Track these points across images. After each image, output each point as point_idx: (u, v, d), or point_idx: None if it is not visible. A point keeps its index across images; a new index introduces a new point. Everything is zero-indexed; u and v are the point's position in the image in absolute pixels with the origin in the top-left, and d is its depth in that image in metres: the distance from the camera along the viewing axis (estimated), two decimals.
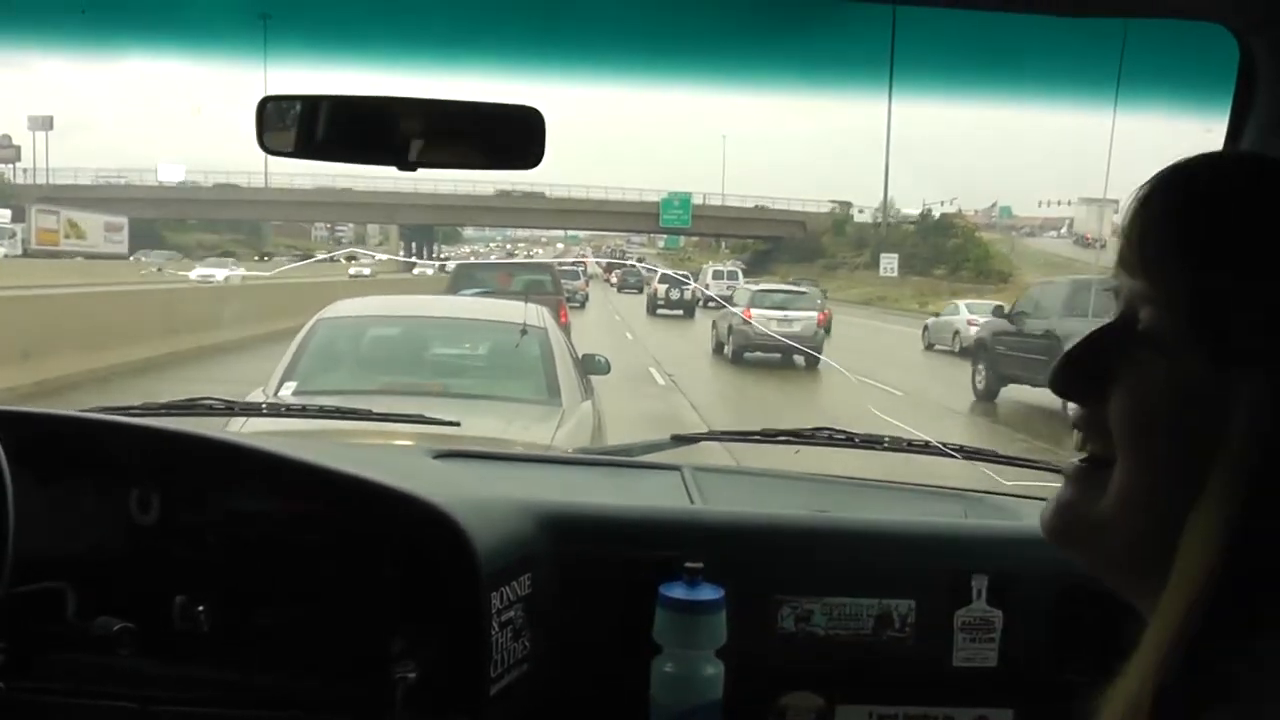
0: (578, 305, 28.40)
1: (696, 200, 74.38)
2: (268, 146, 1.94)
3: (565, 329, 11.32)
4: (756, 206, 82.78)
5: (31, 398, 11.17)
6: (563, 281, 20.45)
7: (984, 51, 2.17)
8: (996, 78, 2.35)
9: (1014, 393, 18.83)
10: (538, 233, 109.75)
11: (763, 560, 2.13)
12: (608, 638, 2.07)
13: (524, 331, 7.09)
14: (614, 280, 54.40)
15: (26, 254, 58.49)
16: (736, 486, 2.73)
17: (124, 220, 74.14)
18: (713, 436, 3.12)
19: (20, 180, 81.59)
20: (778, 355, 22.61)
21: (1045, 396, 11.46)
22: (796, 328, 22.38)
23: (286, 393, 6.48)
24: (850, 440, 2.88)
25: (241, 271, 41.08)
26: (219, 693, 1.96)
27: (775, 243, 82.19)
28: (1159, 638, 0.79)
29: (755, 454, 3.36)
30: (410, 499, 1.96)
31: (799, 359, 21.77)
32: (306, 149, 1.95)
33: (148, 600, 1.93)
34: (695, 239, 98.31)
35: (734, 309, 24.06)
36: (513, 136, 1.91)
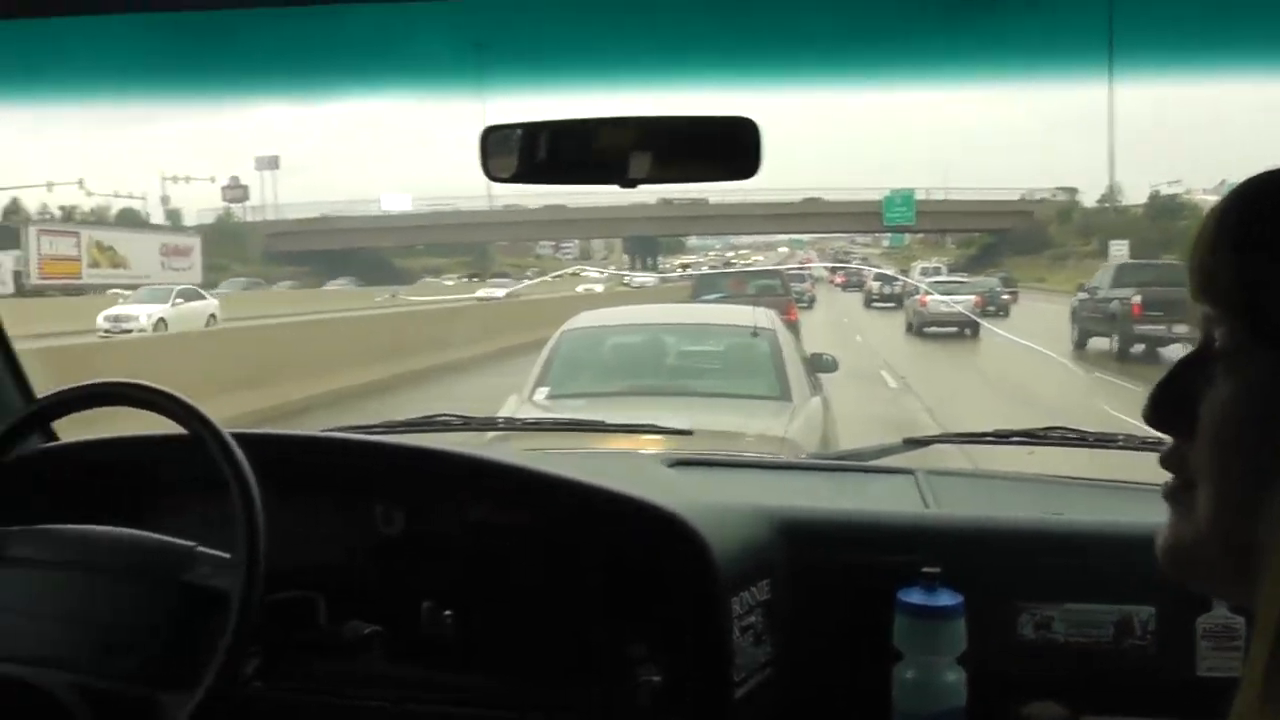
0: (805, 305, 31.45)
1: (919, 196, 73.12)
2: (492, 174, 1.99)
3: (794, 327, 13.19)
4: (980, 200, 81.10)
5: (267, 421, 11.65)
6: (791, 284, 25.29)
7: (1202, 19, 2.10)
8: (1218, 48, 2.26)
9: None
10: (761, 238, 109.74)
11: (999, 565, 2.09)
12: (847, 644, 2.06)
13: (755, 333, 7.76)
14: (838, 281, 57.82)
15: (21, 292, 47.03)
16: (969, 489, 2.68)
17: (193, 242, 65.72)
18: (944, 439, 3.08)
19: (250, 218, 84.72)
20: (953, 328, 29.05)
21: None
22: (957, 308, 28.92)
23: (540, 397, 7.11)
24: (1083, 439, 2.81)
25: (501, 293, 41.94)
26: (466, 695, 2.02)
27: (1001, 235, 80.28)
28: (1260, 648, 0.76)
29: (988, 456, 3.31)
30: (647, 506, 2.00)
31: (966, 331, 28.44)
32: (529, 174, 2.00)
33: (395, 607, 2.01)
34: (920, 236, 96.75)
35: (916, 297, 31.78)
36: (728, 148, 1.92)
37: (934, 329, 29.15)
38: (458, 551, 2.08)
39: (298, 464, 2.18)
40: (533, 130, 1.97)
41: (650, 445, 4.39)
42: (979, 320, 27.69)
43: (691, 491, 2.33)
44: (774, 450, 5.65)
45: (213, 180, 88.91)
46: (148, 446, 2.20)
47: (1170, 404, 0.90)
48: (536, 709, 1.99)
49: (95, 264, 56.80)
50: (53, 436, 2.42)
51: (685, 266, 71.24)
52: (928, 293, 30.44)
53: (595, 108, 1.99)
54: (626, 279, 48.14)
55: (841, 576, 2.09)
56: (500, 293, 41.93)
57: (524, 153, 1.98)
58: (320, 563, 2.05)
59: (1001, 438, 2.94)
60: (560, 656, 2.00)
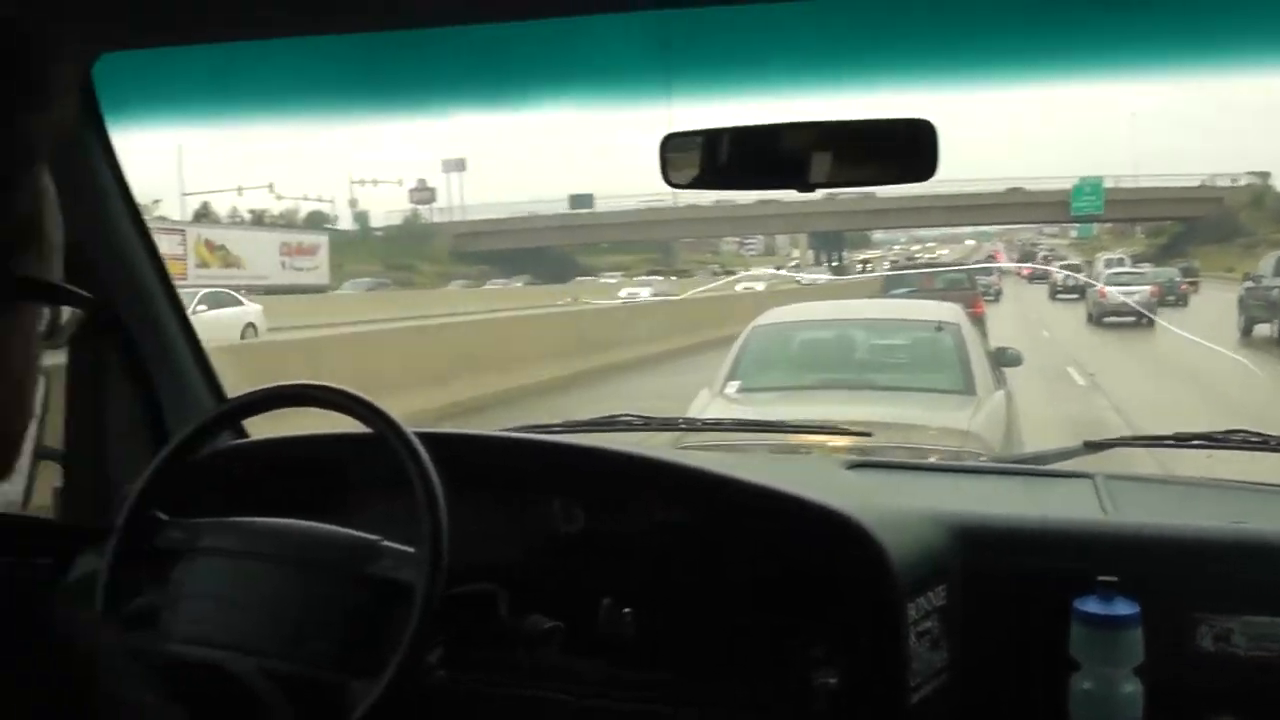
0: (992, 299, 31.88)
1: (1108, 184, 71.16)
2: (672, 181, 2.04)
3: (980, 320, 14.75)
4: (1169, 187, 78.57)
5: (445, 419, 11.86)
6: (977, 278, 26.75)
7: None
8: None
9: None
10: (947, 230, 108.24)
11: (1177, 574, 2.03)
12: (1022, 651, 2.04)
13: (939, 328, 8.09)
14: (1025, 274, 57.36)
15: None
16: (1150, 495, 2.62)
17: (320, 240, 63.84)
18: (1124, 442, 3.01)
19: (437, 219, 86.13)
20: (1130, 318, 29.37)
21: None
22: (1135, 298, 29.79)
23: (731, 390, 7.48)
24: (1266, 443, 2.71)
25: (647, 292, 41.86)
26: (646, 692, 2.05)
27: (1191, 223, 77.70)
28: None
29: (1173, 459, 3.23)
30: (825, 510, 2.01)
31: (1142, 320, 28.45)
32: (708, 180, 2.03)
33: (575, 603, 2.05)
34: (1109, 226, 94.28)
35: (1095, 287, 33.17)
36: (905, 150, 1.93)
37: (1112, 319, 30.08)
38: (636, 550, 2.12)
39: (479, 462, 2.24)
40: (711, 137, 2.01)
41: (835, 441, 4.42)
42: (1150, 313, 28.43)
43: (869, 494, 2.32)
44: (957, 443, 6.00)
45: (400, 183, 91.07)
46: (334, 444, 2.28)
47: None
48: (715, 706, 2.02)
49: (204, 264, 53.54)
50: (243, 433, 2.53)
51: (866, 263, 70.85)
52: (1113, 284, 32.16)
53: (772, 112, 2.01)
54: (797, 276, 48.26)
55: (1017, 583, 2.07)
56: (644, 293, 41.51)
57: (703, 159, 2.02)
58: (501, 558, 2.10)
59: (1182, 441, 2.86)
60: (738, 655, 2.03)
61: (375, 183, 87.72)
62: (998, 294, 37.11)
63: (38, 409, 1.03)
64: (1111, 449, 2.98)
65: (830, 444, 4.31)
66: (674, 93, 2.09)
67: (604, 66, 2.33)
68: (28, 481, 2.45)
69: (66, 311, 0.97)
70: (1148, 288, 31.99)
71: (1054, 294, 42.55)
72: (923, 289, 21.48)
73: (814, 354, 8.55)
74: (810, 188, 1.96)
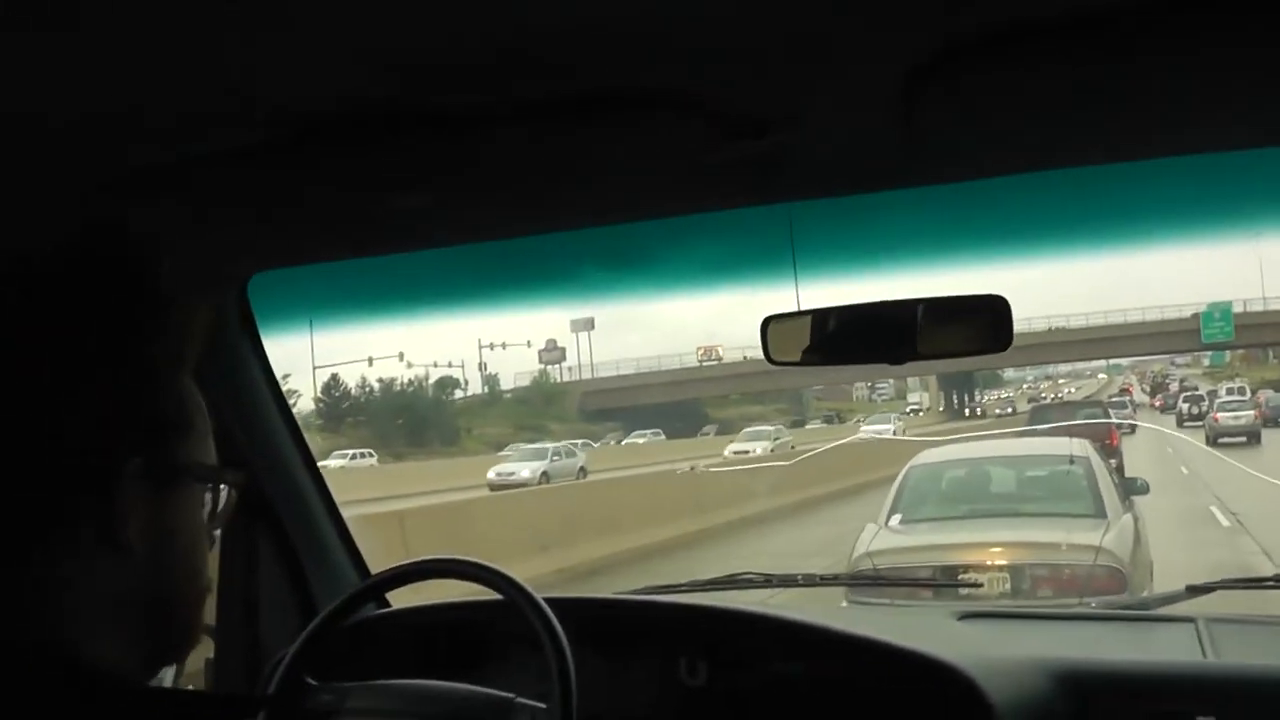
0: (1127, 431, 33.22)
1: (1237, 309, 69.44)
2: (773, 359, 2.19)
3: (1116, 452, 18.18)
4: None
5: (553, 586, 11.97)
6: (1111, 411, 31.05)
7: None
8: None
9: None
10: (1080, 366, 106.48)
11: (1276, 713, 2.09)
12: None
13: (1071, 461, 9.37)
14: (1157, 404, 62.61)
15: None
16: (1252, 637, 2.66)
17: None
18: (1226, 585, 3.05)
19: (566, 378, 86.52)
20: (1242, 438, 33.34)
21: None
22: (1243, 421, 35.45)
23: (894, 522, 8.90)
24: None
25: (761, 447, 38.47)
26: None
27: None
28: None
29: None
30: (934, 662, 2.13)
31: (1246, 439, 33.20)
32: (806, 358, 2.18)
33: None
34: (1242, 353, 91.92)
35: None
36: (985, 324, 2.05)
37: (1225, 439, 33.37)
38: (757, 702, 2.26)
39: (607, 622, 2.42)
40: (804, 319, 2.15)
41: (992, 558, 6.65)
42: (1254, 434, 34.01)
43: (976, 644, 2.44)
44: (1090, 559, 7.39)
45: (528, 344, 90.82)
46: (472, 610, 2.44)
47: None
48: None
49: None
50: (385, 603, 2.69)
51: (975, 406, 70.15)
52: (1222, 411, 37.70)
53: (853, 294, 2.14)
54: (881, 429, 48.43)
55: None
56: (759, 448, 37.91)
57: (799, 338, 2.17)
58: (630, 710, 2.26)
59: None
60: None
61: (504, 345, 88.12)
62: (1133, 427, 37.92)
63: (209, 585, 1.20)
64: (1213, 592, 3.03)
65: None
66: (800, 274, 2.19)
67: (734, 253, 2.47)
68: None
69: (224, 496, 1.16)
70: (1251, 412, 37.42)
71: (1180, 422, 44.92)
72: (1064, 422, 23.03)
73: (963, 488, 9.81)
74: (900, 361, 2.09)
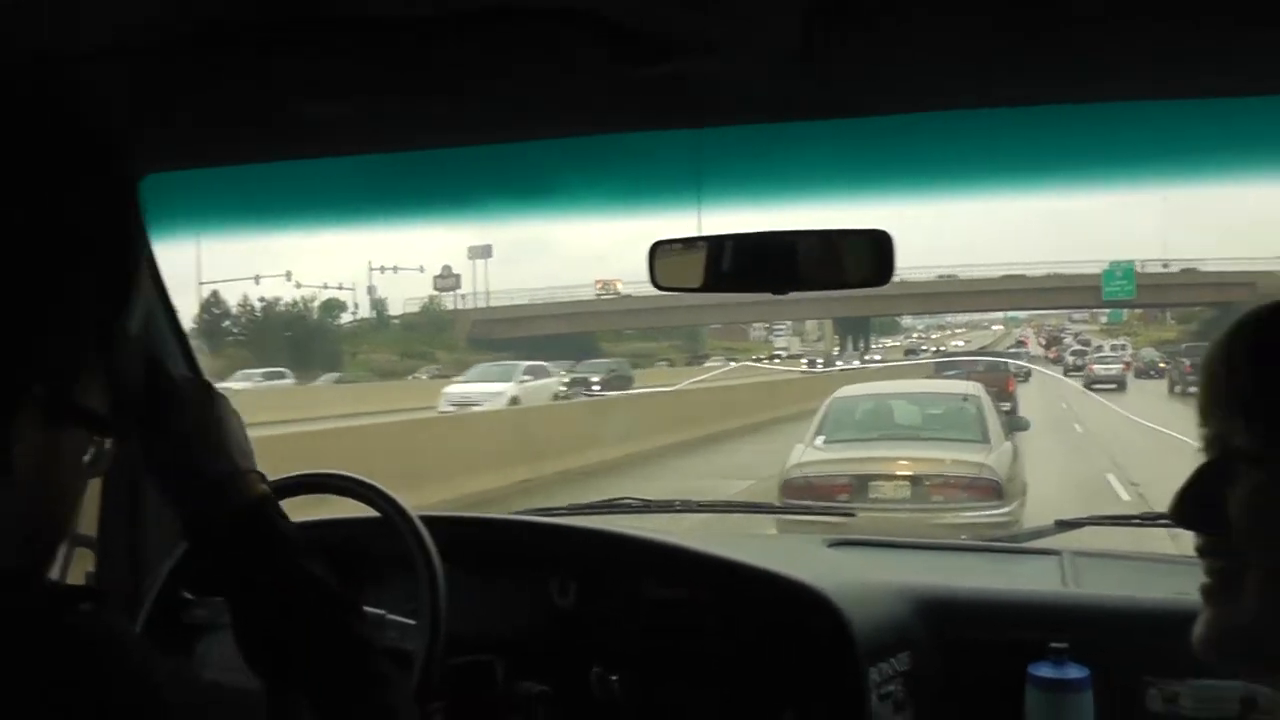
0: (1022, 379, 38.89)
1: (1139, 269, 70.55)
2: (659, 284, 2.21)
3: (1012, 396, 23.27)
4: (1203, 271, 77.90)
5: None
6: (1009, 362, 36.04)
7: None
8: None
9: None
10: (978, 316, 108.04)
11: (1128, 642, 2.17)
12: (983, 713, 2.19)
13: (964, 399, 12.11)
14: (1051, 356, 67.97)
15: None
16: (1110, 569, 2.78)
17: None
18: (1093, 521, 3.15)
19: (459, 305, 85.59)
20: (1112, 385, 43.11)
21: None
22: (1113, 371, 46.10)
23: (819, 442, 11.26)
24: None
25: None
26: None
27: (1224, 309, 76.96)
28: None
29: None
30: (796, 584, 2.20)
31: (1115, 387, 42.70)
32: (692, 285, 2.21)
33: (567, 672, 2.25)
34: (1140, 312, 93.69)
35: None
36: (867, 257, 2.10)
37: (1099, 385, 43.31)
38: (625, 622, 2.32)
39: (482, 543, 2.47)
40: (695, 245, 2.17)
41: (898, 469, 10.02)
42: (1120, 382, 44.82)
43: (843, 570, 2.51)
44: (973, 472, 9.98)
45: (421, 270, 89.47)
46: (351, 528, 2.43)
47: (1196, 503, 1.06)
48: None
49: None
50: None
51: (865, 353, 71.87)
52: (1096, 363, 49.88)
53: (751, 223, 2.17)
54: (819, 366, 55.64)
55: (979, 651, 2.22)
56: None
57: (687, 266, 2.20)
58: (501, 630, 2.31)
59: (1146, 520, 3.03)
60: (717, 718, 2.21)
61: (396, 269, 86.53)
62: (1027, 375, 44.78)
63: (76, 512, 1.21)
64: (1080, 527, 3.14)
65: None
66: (703, 203, 2.20)
67: (637, 179, 2.47)
68: (63, 568, 2.58)
69: (107, 446, 1.16)
70: (1120, 365, 49.44)
71: (1066, 371, 54.83)
72: (967, 370, 27.69)
73: (875, 417, 12.29)
74: (783, 290, 2.13)
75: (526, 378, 32.84)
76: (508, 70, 1.73)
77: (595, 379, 41.17)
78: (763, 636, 2.21)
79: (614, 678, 2.26)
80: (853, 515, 5.48)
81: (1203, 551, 1.07)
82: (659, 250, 2.20)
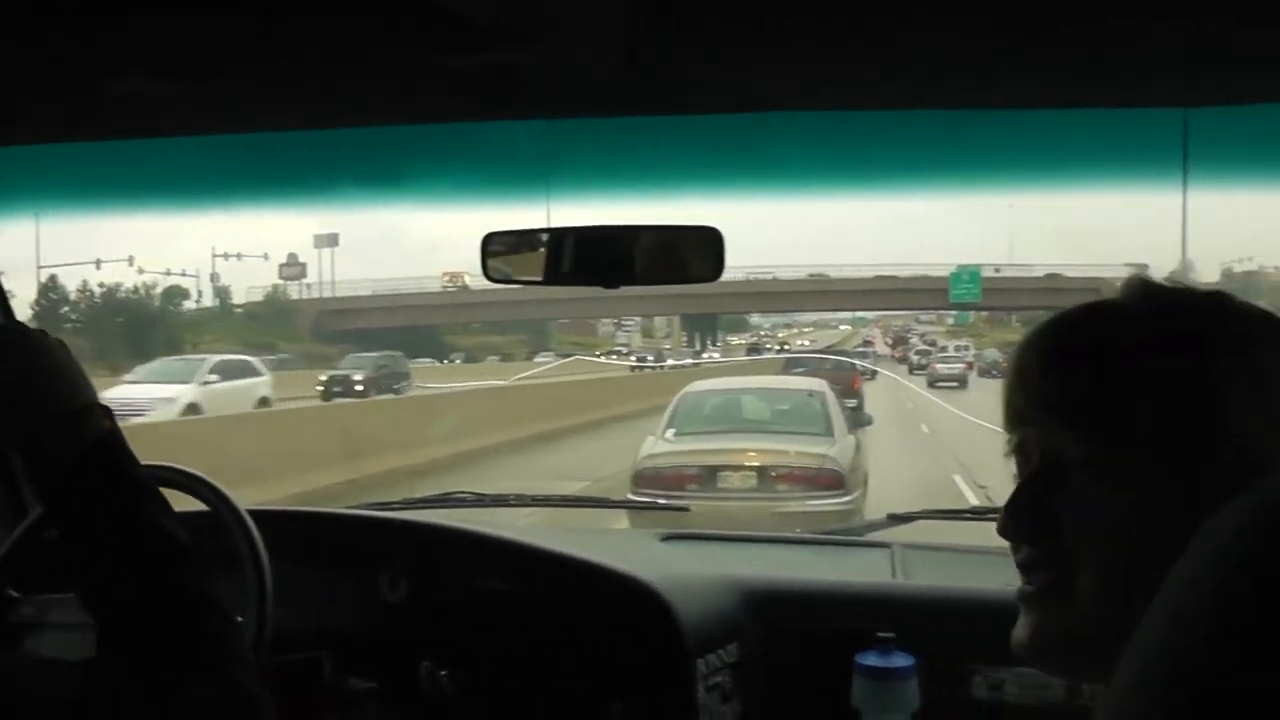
0: (869, 377, 39.52)
1: (987, 273, 71.92)
2: (492, 276, 2.19)
3: (858, 393, 23.52)
4: (1047, 275, 79.72)
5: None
6: (856, 360, 37.92)
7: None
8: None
9: None
10: (826, 315, 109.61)
11: (954, 631, 2.22)
12: (811, 704, 2.22)
13: (810, 395, 12.63)
14: (897, 356, 69.90)
15: None
16: (940, 562, 2.83)
17: None
18: (926, 515, 3.22)
19: (306, 295, 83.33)
20: (954, 383, 43.82)
21: None
22: (955, 370, 46.71)
23: (669, 434, 11.50)
24: None
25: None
26: None
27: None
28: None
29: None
30: (625, 578, 2.22)
31: (957, 385, 43.24)
32: (525, 278, 2.20)
33: (397, 667, 2.23)
34: (986, 315, 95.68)
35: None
36: (699, 253, 2.10)
37: (941, 384, 44.23)
38: (455, 617, 2.30)
39: (312, 537, 2.43)
40: (528, 237, 2.17)
41: (746, 460, 10.45)
42: (963, 381, 45.08)
43: (674, 564, 2.53)
44: (817, 463, 10.34)
45: (266, 257, 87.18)
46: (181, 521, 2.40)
47: (1028, 516, 1.04)
48: None
49: None
50: None
51: (700, 353, 72.67)
52: (939, 363, 50.39)
53: (600, 217, 2.17)
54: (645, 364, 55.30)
55: (808, 642, 2.26)
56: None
57: (520, 258, 2.19)
58: (331, 626, 2.28)
59: (978, 514, 3.10)
60: (546, 712, 2.21)
61: (240, 256, 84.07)
62: (874, 373, 45.69)
63: None
64: (913, 521, 3.19)
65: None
66: (553, 196, 2.18)
67: (487, 171, 2.45)
68: None
69: None
70: (962, 365, 49.67)
71: (911, 370, 56.87)
72: (816, 368, 28.61)
73: (724, 411, 12.70)
74: (615, 284, 2.13)
75: (213, 378, 25.50)
76: (345, 54, 1.72)
77: (359, 376, 34.60)
78: (592, 630, 2.22)
79: (443, 673, 2.24)
80: (687, 509, 5.60)
81: (1029, 565, 1.07)
82: (491, 242, 2.18)
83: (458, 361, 64.67)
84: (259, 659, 1.91)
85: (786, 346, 75.71)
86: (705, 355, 67.91)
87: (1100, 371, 1.00)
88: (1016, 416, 1.06)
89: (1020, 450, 1.07)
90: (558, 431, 22.91)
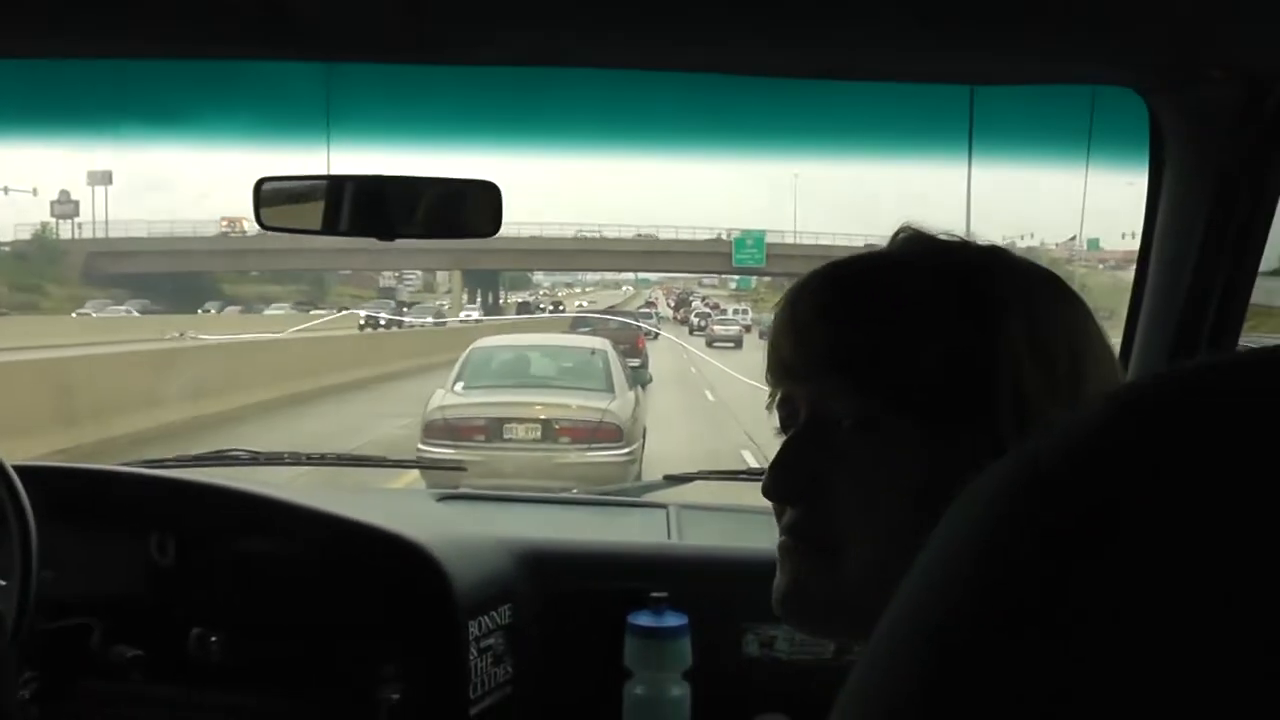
0: (652, 337, 40.17)
1: (772, 239, 72.99)
2: (264, 223, 2.11)
3: (642, 353, 24.69)
4: (831, 244, 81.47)
5: None
6: (640, 321, 39.62)
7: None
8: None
9: None
10: (609, 276, 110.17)
11: (727, 590, 2.23)
12: (584, 664, 2.22)
13: (592, 352, 13.39)
14: (679, 318, 72.07)
15: None
16: (715, 522, 2.86)
17: None
18: (702, 476, 3.26)
19: (77, 235, 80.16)
20: (730, 344, 43.68)
21: None
22: (733, 331, 46.91)
23: (459, 387, 12.01)
24: None
25: None
26: (227, 715, 2.17)
27: None
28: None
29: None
30: (397, 539, 2.17)
31: (733, 345, 43.37)
32: (299, 226, 2.13)
33: (167, 633, 2.15)
34: (768, 280, 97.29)
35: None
36: (477, 207, 2.06)
37: (718, 344, 44.80)
38: (226, 579, 2.22)
39: (82, 496, 2.31)
40: (303, 184, 2.09)
41: (531, 413, 10.97)
42: (738, 341, 45.20)
43: (449, 524, 2.50)
44: (597, 417, 11.01)
45: (35, 193, 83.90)
46: None
47: (797, 476, 0.99)
48: None
49: None
50: None
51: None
52: (717, 324, 51.90)
53: (381, 166, 2.10)
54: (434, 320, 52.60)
55: (581, 602, 2.26)
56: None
57: (296, 206, 2.12)
58: (100, 591, 2.18)
59: (754, 475, 3.12)
60: (316, 676, 2.15)
61: (6, 191, 79.89)
62: (656, 334, 46.37)
63: None
64: (690, 482, 3.22)
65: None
66: (333, 143, 2.12)
67: (266, 112, 2.36)
68: None
69: None
70: (738, 327, 49.96)
71: (691, 331, 57.03)
72: (600, 328, 28.87)
73: (511, 366, 13.32)
74: (390, 237, 2.08)
75: None
76: None
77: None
78: (364, 592, 2.17)
79: (213, 639, 2.17)
80: (464, 469, 5.85)
81: (794, 528, 1.01)
82: (265, 187, 2.10)
83: (232, 311, 62.29)
84: (25, 625, 1.83)
85: (562, 306, 75.75)
86: (463, 315, 65.60)
87: (878, 322, 0.97)
88: (783, 370, 1.02)
89: (785, 405, 1.03)
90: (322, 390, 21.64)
